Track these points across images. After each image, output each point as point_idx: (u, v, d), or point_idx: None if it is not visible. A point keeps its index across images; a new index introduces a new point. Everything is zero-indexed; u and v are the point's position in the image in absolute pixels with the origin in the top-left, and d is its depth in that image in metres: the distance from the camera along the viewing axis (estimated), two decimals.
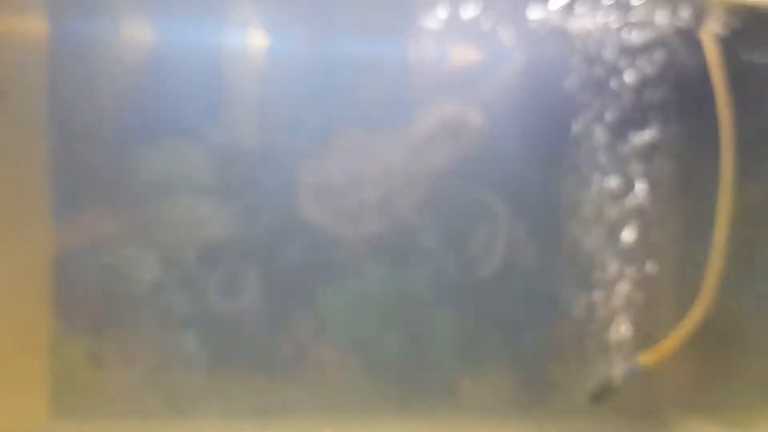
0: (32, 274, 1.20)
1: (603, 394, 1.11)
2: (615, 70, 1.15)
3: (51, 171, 1.18)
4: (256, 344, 1.30)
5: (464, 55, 1.28)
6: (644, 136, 1.20)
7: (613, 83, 1.15)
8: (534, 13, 1.11)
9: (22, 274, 1.19)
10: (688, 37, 1.10)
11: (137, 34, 1.20)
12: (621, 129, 1.19)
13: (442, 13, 1.11)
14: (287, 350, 1.31)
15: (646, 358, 1.07)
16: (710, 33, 1.08)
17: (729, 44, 1.11)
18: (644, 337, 1.11)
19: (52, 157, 1.18)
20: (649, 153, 1.20)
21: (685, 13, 1.05)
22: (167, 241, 1.23)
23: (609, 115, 1.18)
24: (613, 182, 1.20)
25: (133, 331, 1.25)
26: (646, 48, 1.13)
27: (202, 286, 1.25)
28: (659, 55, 1.12)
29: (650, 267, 1.17)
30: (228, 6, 1.14)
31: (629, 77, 1.15)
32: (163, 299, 1.25)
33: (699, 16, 1.07)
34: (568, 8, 1.08)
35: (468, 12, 1.10)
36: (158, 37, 1.20)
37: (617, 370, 1.09)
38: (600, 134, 1.20)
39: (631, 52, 1.13)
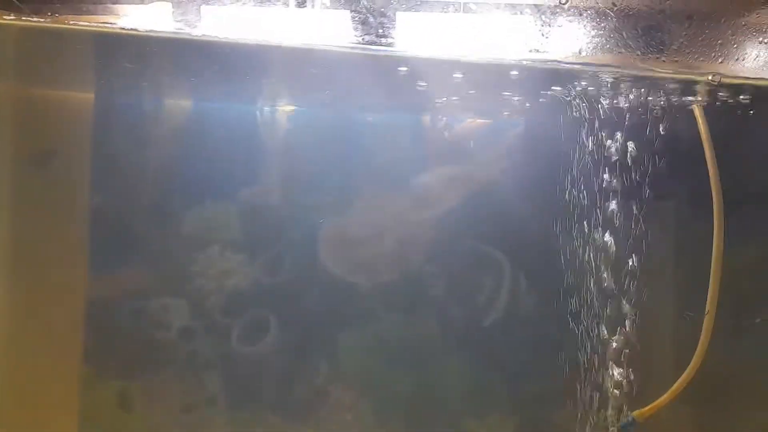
0: (66, 320, 1.28)
1: None
2: (612, 138, 1.24)
3: (90, 224, 1.27)
4: (275, 387, 1.37)
5: (471, 121, 1.38)
6: (640, 197, 1.28)
7: (611, 149, 1.24)
8: (537, 86, 1.20)
9: (57, 319, 1.28)
10: (682, 110, 1.19)
11: (175, 106, 1.31)
12: (620, 191, 1.27)
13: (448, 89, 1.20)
14: (304, 392, 1.38)
15: (642, 412, 1.12)
16: (701, 106, 1.17)
17: (719, 115, 1.20)
18: (640, 391, 1.17)
19: (92, 211, 1.27)
20: (646, 213, 1.28)
21: (678, 90, 1.14)
22: (197, 291, 1.32)
23: (607, 178, 1.27)
24: (611, 239, 1.28)
25: (160, 374, 1.33)
26: (644, 119, 1.22)
27: (227, 331, 1.33)
28: (656, 126, 1.21)
29: (646, 321, 1.24)
30: (258, 82, 1.25)
31: (628, 144, 1.23)
32: (190, 344, 1.33)
33: (690, 92, 1.16)
34: (570, 83, 1.17)
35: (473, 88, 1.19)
36: (194, 108, 1.32)
37: (613, 423, 1.14)
38: (599, 195, 1.28)
39: (631, 124, 1.22)
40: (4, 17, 0.95)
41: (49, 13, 1.05)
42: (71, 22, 1.02)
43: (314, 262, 1.34)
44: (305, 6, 0.92)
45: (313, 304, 1.37)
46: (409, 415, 1.42)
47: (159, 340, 1.32)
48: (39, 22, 1.00)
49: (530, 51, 0.97)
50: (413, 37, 0.98)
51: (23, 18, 0.95)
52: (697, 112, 1.18)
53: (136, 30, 1.04)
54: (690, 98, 1.18)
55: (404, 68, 1.02)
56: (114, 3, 1.10)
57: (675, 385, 1.10)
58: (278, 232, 1.34)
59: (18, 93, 1.25)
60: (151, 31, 1.04)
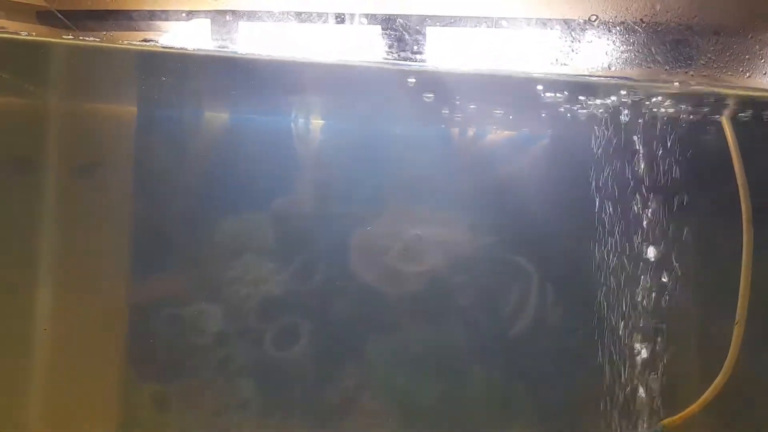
0: (110, 323, 1.33)
1: None
2: (646, 148, 1.25)
3: (132, 232, 1.33)
4: (305, 392, 1.40)
5: (498, 132, 1.41)
6: (672, 207, 1.29)
7: (644, 159, 1.25)
8: (565, 100, 1.22)
9: (101, 323, 1.33)
10: (710, 123, 1.20)
11: (213, 118, 1.37)
12: (651, 200, 1.28)
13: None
14: (334, 397, 1.41)
15: (671, 421, 1.12)
16: (728, 119, 1.18)
17: (747, 127, 1.21)
18: (668, 400, 1.18)
19: (133, 220, 1.33)
20: (675, 224, 1.29)
21: (706, 103, 1.15)
22: (232, 297, 1.36)
23: (639, 188, 1.28)
24: (640, 249, 1.29)
25: (195, 378, 1.37)
26: (672, 127, 1.23)
27: (260, 337, 1.37)
28: (685, 138, 1.22)
29: (676, 331, 1.24)
30: (291, 95, 1.29)
31: (658, 155, 1.24)
32: (224, 349, 1.37)
33: (718, 105, 1.17)
34: (599, 96, 1.19)
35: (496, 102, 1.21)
36: (231, 122, 1.37)
37: None
38: (629, 205, 1.29)
39: (660, 136, 1.23)
40: (63, 37, 1.01)
41: (101, 31, 1.11)
42: (115, 41, 1.07)
43: (345, 270, 1.38)
44: (343, 22, 0.96)
45: (343, 312, 1.40)
46: (435, 423, 1.44)
47: (195, 344, 1.36)
48: (88, 41, 1.05)
49: (560, 65, 1.00)
50: (444, 51, 1.01)
51: (80, 37, 1.00)
52: (725, 125, 1.20)
53: (175, 48, 1.08)
54: (717, 112, 1.19)
55: (436, 83, 1.05)
56: (156, 20, 1.15)
57: (705, 395, 1.10)
58: (310, 239, 1.38)
59: (66, 107, 1.32)
60: (189, 48, 1.08)
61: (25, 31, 1.09)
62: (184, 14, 1.13)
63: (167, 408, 1.36)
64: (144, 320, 1.34)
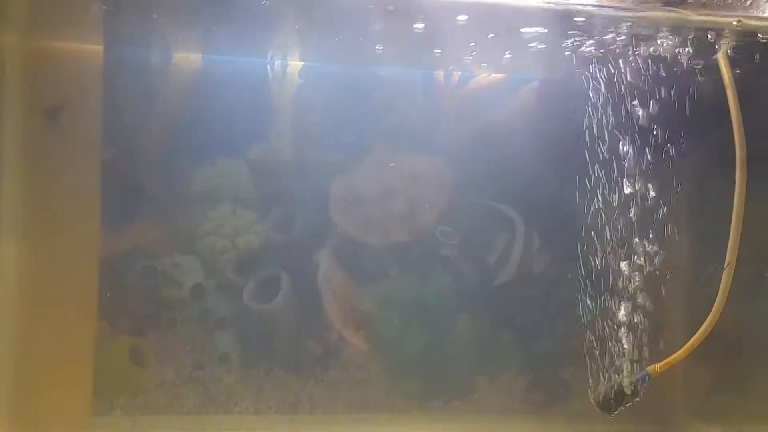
0: (81, 276, 1.28)
1: (614, 401, 1.15)
2: (635, 91, 1.21)
3: (102, 181, 1.26)
4: (287, 345, 1.38)
5: (485, 75, 1.36)
6: (661, 152, 1.26)
7: (633, 103, 1.21)
8: (558, 40, 1.17)
9: (72, 276, 1.27)
10: (705, 60, 1.16)
11: (187, 60, 1.29)
12: (639, 146, 1.25)
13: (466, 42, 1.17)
14: (316, 350, 1.39)
15: (657, 367, 1.11)
16: (725, 56, 1.14)
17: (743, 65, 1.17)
18: (655, 346, 1.17)
19: (103, 168, 1.26)
20: (665, 169, 1.26)
21: (702, 38, 1.10)
22: (209, 248, 1.32)
23: (627, 133, 1.24)
24: (629, 196, 1.26)
25: (173, 331, 1.33)
26: (665, 70, 1.19)
27: (239, 289, 1.33)
28: (678, 77, 1.18)
29: (663, 278, 1.23)
30: (270, 36, 1.22)
31: (649, 99, 1.20)
32: (202, 302, 1.33)
33: (715, 41, 1.12)
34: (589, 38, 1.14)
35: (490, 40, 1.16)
36: (205, 64, 1.30)
37: (628, 377, 1.14)
38: (618, 150, 1.26)
39: (651, 76, 1.19)
40: None
41: None
42: None
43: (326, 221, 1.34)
44: None
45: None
46: (421, 374, 1.42)
47: (171, 297, 1.32)
48: None
49: None
50: None
51: None
52: (722, 61, 1.14)
53: None
54: (713, 51, 1.15)
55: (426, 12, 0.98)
56: None
57: (690, 341, 1.08)
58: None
59: (28, 46, 1.23)
60: None
61: None
62: None
63: (144, 363, 1.33)
64: (117, 272, 1.29)
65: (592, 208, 1.28)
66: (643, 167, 1.26)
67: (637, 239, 1.26)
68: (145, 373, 1.33)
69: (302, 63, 1.33)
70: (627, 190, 1.27)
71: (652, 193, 1.26)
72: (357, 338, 1.37)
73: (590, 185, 1.28)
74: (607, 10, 0.95)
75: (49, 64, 1.23)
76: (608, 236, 1.27)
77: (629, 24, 1.00)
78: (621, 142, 1.25)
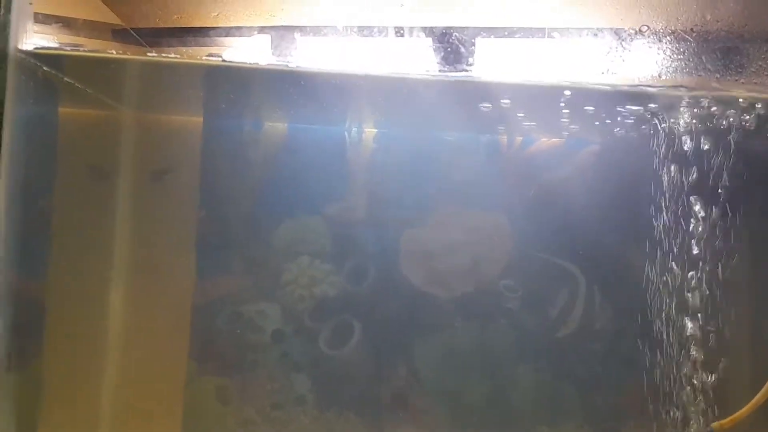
0: (175, 320, 1.42)
1: None
2: (691, 157, 1.26)
3: (197, 236, 1.42)
4: (358, 389, 1.46)
5: (545, 141, 1.44)
6: (719, 211, 1.29)
7: (689, 167, 1.26)
8: (617, 108, 1.24)
9: (167, 320, 1.42)
10: (764, 129, 1.20)
11: (274, 128, 1.45)
12: (698, 206, 1.29)
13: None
14: (385, 395, 1.46)
15: (721, 424, 1.13)
16: None
17: None
18: (719, 403, 1.18)
19: (199, 224, 1.42)
20: (723, 227, 1.29)
21: (756, 110, 1.15)
22: (289, 297, 1.44)
23: (685, 192, 1.29)
24: (689, 252, 1.30)
25: (255, 373, 1.44)
26: (723, 139, 1.23)
27: (315, 335, 1.44)
28: (735, 145, 1.22)
29: (725, 334, 1.25)
30: (346, 106, 1.36)
31: (705, 162, 1.25)
32: (282, 346, 1.44)
33: None
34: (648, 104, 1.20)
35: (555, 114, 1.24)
36: (290, 132, 1.46)
37: None
38: (678, 209, 1.30)
39: (709, 143, 1.23)
40: (148, 54, 1.10)
41: (169, 47, 1.20)
42: (182, 56, 1.16)
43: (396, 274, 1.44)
44: (402, 36, 1.02)
45: (393, 313, 1.45)
46: (483, 422, 1.47)
47: (254, 341, 1.44)
48: (159, 56, 1.14)
49: (609, 74, 1.02)
50: (498, 62, 1.05)
51: (162, 55, 1.09)
52: None
53: (236, 62, 1.16)
54: None
55: (492, 94, 1.09)
56: (221, 36, 1.24)
57: (756, 397, 1.10)
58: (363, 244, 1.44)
59: (140, 118, 1.42)
60: (250, 63, 1.16)
61: (102, 48, 1.19)
62: (245, 30, 1.21)
63: (229, 401, 1.44)
64: (207, 318, 1.42)
65: (654, 267, 1.31)
66: (708, 226, 1.29)
67: (700, 295, 1.28)
68: (229, 411, 1.44)
69: (376, 130, 1.46)
70: (689, 246, 1.30)
71: (715, 247, 1.28)
72: None
73: (652, 244, 1.31)
74: (665, 89, 1.03)
75: (157, 133, 1.43)
76: (670, 292, 1.30)
77: (686, 99, 1.06)
78: (684, 202, 1.29)
